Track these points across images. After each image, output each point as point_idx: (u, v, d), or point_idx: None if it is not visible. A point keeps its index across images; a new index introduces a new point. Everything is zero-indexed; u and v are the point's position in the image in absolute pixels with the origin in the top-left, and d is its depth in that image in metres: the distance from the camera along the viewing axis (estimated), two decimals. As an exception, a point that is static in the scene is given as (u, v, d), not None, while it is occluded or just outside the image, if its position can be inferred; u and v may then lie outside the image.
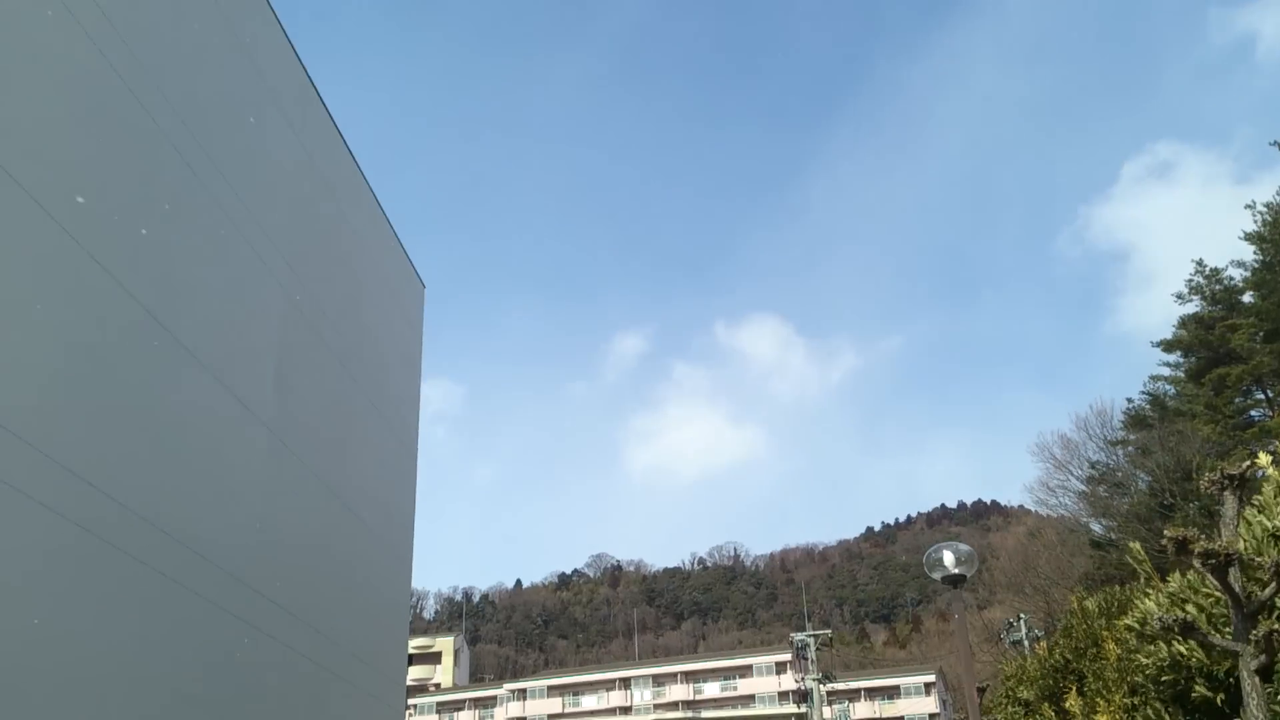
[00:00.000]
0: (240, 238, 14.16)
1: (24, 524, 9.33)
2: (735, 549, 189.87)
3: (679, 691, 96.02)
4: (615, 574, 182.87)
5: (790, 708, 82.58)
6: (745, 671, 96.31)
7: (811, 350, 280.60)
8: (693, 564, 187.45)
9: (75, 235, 10.39)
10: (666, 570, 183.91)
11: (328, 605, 16.41)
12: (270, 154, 15.60)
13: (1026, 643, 44.44)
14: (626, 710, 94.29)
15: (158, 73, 12.24)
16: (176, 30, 13.01)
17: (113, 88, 11.37)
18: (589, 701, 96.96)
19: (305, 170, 16.90)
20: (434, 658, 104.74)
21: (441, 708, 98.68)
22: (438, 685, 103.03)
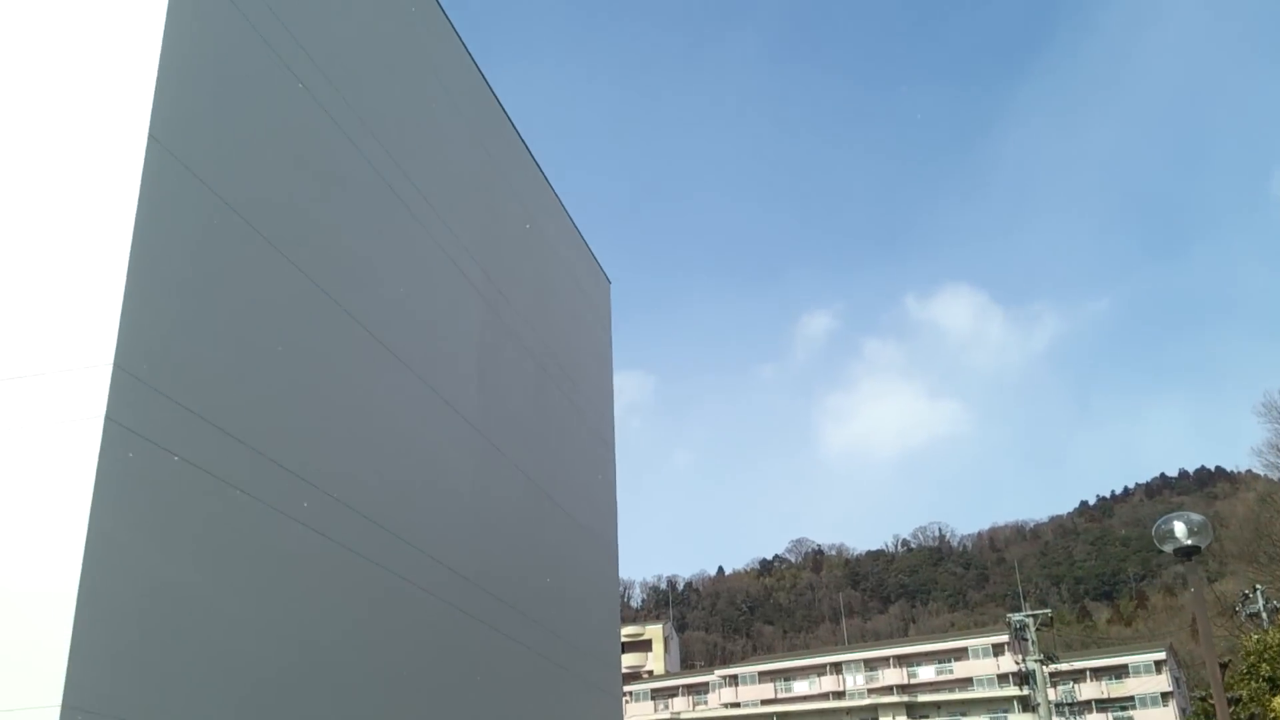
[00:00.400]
0: (439, 249, 14.82)
1: (261, 529, 10.07)
2: (940, 529, 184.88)
3: (892, 676, 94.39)
4: (817, 558, 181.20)
5: (1011, 690, 79.77)
6: (960, 654, 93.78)
7: (1010, 318, 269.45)
8: (896, 546, 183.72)
9: (295, 261, 11.12)
10: (869, 553, 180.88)
11: (542, 596, 16.97)
12: (460, 165, 16.25)
13: (1265, 615, 41.51)
14: (839, 695, 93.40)
15: (358, 105, 12.94)
16: (371, 60, 13.71)
17: (322, 125, 12.09)
18: (800, 686, 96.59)
19: (492, 178, 17.51)
20: (644, 645, 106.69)
21: (656, 694, 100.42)
22: (650, 672, 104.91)
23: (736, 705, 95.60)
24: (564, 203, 21.22)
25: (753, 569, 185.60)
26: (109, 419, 8.21)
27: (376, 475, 12.35)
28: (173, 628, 8.69)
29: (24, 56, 9.99)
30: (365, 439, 12.27)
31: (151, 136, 9.16)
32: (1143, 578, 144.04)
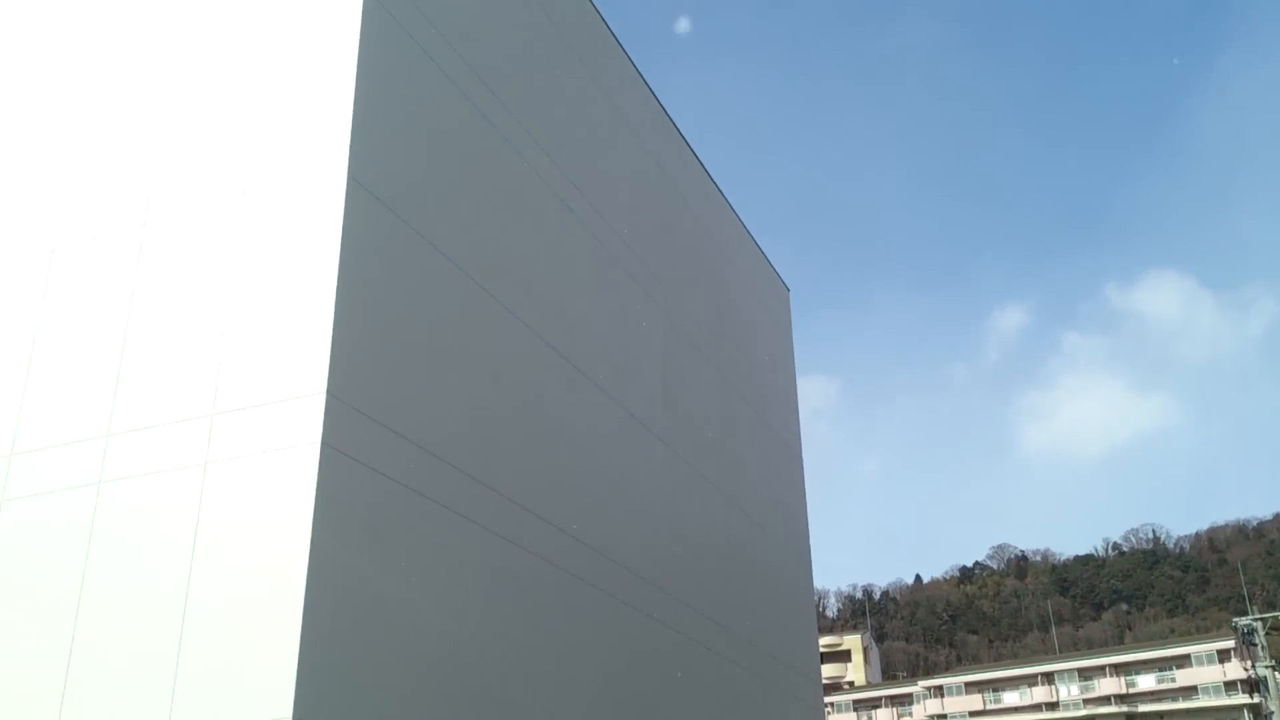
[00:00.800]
0: (618, 265, 15.13)
1: (466, 543, 10.49)
2: (1154, 530, 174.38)
3: (1109, 685, 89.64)
4: (1020, 564, 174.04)
5: (1240, 698, 74.49)
6: (1183, 661, 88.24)
7: (1222, 303, 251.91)
8: (1106, 549, 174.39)
9: (486, 286, 11.58)
10: (1077, 558, 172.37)
11: (738, 606, 16.99)
12: (632, 179, 16.55)
13: None
14: (1053, 706, 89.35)
15: (531, 126, 13.38)
16: (538, 79, 14.14)
17: (499, 150, 12.58)
18: (1010, 698, 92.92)
19: (666, 190, 17.74)
20: (843, 656, 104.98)
21: (858, 705, 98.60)
22: (850, 683, 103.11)
23: (943, 717, 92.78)
24: (737, 208, 21.29)
25: (952, 576, 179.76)
26: (325, 444, 8.74)
27: (572, 490, 12.68)
28: (389, 641, 9.15)
29: (233, 111, 10.79)
30: (560, 455, 12.62)
31: (351, 178, 9.74)
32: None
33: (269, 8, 11.21)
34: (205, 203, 10.39)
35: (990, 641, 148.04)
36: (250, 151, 10.48)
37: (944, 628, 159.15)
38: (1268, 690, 46.88)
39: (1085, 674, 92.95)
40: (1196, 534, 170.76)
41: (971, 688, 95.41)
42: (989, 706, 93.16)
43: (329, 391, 8.92)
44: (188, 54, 11.50)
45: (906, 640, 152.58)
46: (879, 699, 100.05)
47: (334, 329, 9.15)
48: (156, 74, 11.56)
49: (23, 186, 11.67)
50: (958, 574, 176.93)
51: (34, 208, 11.42)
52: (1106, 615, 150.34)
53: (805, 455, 22.60)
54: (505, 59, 13.30)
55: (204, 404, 9.35)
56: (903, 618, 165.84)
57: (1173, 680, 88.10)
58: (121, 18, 12.20)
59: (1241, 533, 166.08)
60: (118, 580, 8.96)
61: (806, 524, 21.83)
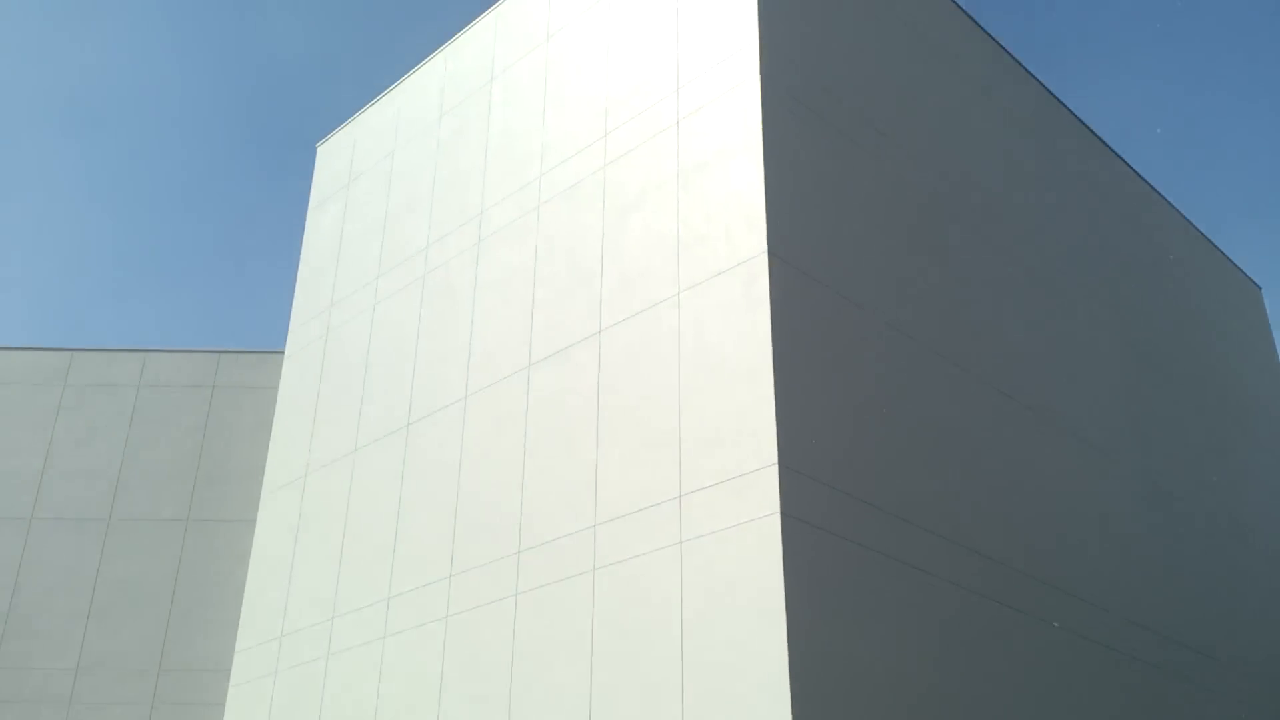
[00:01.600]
0: (1067, 298, 14.33)
1: (929, 598, 10.24)
2: None
3: None
4: None
5: None
6: None
7: None
8: None
9: (918, 338, 11.46)
10: None
11: (1253, 649, 15.09)
12: (1065, 199, 15.67)
13: None
14: None
15: (950, 171, 13.15)
16: (948, 117, 13.90)
17: (920, 200, 12.50)
18: None
19: (1099, 204, 16.60)
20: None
21: None
22: None
23: None
24: (1182, 207, 19.41)
25: None
26: (785, 514, 8.99)
27: (1041, 535, 12.02)
28: (879, 708, 9.10)
29: (670, 197, 11.63)
30: (1019, 498, 12.04)
31: (771, 253, 10.11)
32: None
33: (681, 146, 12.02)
34: (650, 308, 11.23)
35: None
36: (679, 246, 11.21)
37: None
38: None
39: None
40: None
41: None
42: None
43: (781, 463, 9.19)
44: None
45: None
46: None
47: (776, 402, 9.45)
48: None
49: (500, 312, 13.25)
50: None
51: (511, 336, 12.92)
52: None
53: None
54: (911, 104, 13.24)
55: (671, 487, 9.99)
56: None
57: None
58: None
59: None
60: (619, 659, 9.71)
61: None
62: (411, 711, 11.44)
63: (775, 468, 9.16)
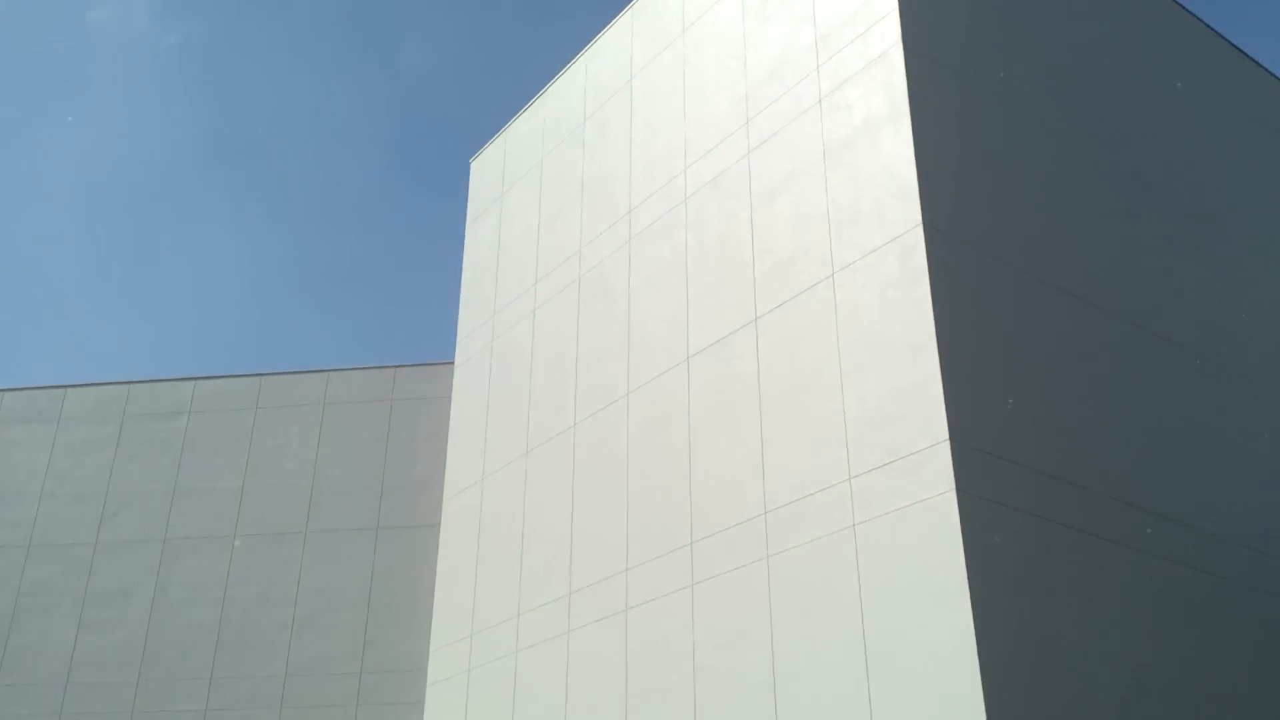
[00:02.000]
0: (1236, 246, 13.54)
1: (1118, 567, 9.81)
2: None
3: None
4: None
5: None
6: None
7: None
8: None
9: (1077, 294, 11.01)
10: None
11: None
12: (1235, 145, 14.79)
13: None
14: None
15: (1110, 129, 12.59)
16: (1118, 80, 13.30)
17: (1090, 166, 12.02)
18: None
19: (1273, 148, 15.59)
20: None
21: None
22: None
23: None
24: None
25: None
26: (960, 490, 8.79)
27: (1239, 496, 11.37)
28: (1073, 686, 8.80)
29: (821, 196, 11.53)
30: (1215, 461, 11.42)
31: (927, 223, 9.90)
32: None
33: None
34: (806, 290, 11.15)
35: None
36: (830, 225, 11.09)
37: None
38: None
39: None
40: None
41: None
42: None
43: (952, 439, 8.98)
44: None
45: None
46: None
47: (943, 376, 9.25)
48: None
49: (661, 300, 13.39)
50: None
51: (668, 329, 13.04)
52: None
53: None
54: (1048, 58, 12.73)
55: (840, 470, 9.90)
56: None
57: None
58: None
59: None
60: (800, 644, 9.69)
61: None
62: (599, 701, 11.70)
63: (947, 444, 8.96)
